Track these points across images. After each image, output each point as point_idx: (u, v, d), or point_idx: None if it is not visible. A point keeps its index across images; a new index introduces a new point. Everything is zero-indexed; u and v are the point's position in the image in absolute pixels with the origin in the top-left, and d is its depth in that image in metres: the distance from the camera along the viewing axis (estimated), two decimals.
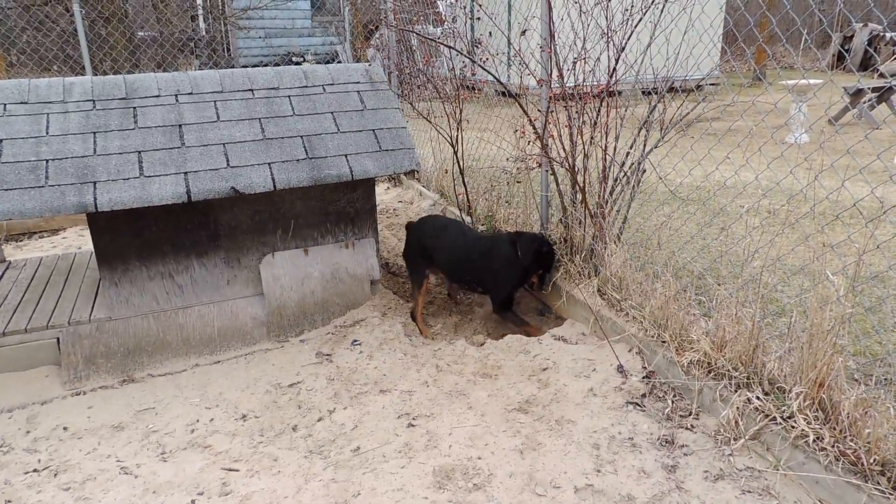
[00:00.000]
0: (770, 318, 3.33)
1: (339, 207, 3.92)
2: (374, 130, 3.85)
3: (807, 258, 3.76)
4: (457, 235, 4.06)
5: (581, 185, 3.57)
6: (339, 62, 12.74)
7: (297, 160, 3.58)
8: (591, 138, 3.62)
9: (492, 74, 3.80)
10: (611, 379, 3.11)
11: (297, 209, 3.82)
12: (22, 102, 3.49)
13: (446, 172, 5.34)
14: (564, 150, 3.57)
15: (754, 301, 2.72)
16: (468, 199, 4.73)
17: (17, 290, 3.93)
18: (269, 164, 3.52)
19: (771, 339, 2.70)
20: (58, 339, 3.48)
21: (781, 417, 2.42)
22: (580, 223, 3.69)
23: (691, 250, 4.19)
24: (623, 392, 3.01)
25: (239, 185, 3.40)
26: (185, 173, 3.37)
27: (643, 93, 3.77)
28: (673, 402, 2.89)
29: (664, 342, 3.07)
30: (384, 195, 6.65)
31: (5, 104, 3.45)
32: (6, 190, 3.11)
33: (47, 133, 3.38)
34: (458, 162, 4.60)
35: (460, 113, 4.54)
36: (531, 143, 3.69)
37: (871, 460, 2.13)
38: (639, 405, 2.92)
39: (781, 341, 2.67)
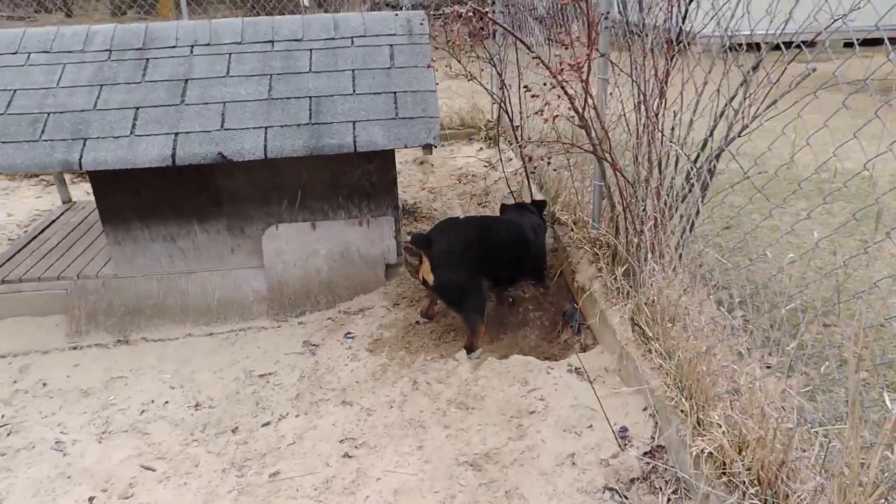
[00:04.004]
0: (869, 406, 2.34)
1: (352, 180, 3.45)
2: (395, 93, 3.28)
3: None
4: (494, 229, 3.40)
5: (623, 180, 2.74)
6: None
7: (298, 125, 3.15)
8: (656, 113, 2.73)
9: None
10: (604, 445, 2.38)
11: (302, 179, 3.42)
12: (44, 51, 3.43)
13: (529, 139, 4.59)
14: (598, 123, 2.73)
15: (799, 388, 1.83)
16: (527, 173, 4.00)
17: (60, 234, 4.04)
18: (265, 128, 3.14)
19: (807, 455, 1.80)
20: (66, 290, 3.49)
21: None
22: (624, 230, 2.87)
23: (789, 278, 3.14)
24: (609, 469, 2.27)
25: (227, 151, 3.07)
26: (176, 134, 3.11)
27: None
28: (669, 500, 2.11)
29: (683, 412, 2.26)
30: (479, 155, 6.01)
31: (29, 53, 3.42)
32: (3, 143, 3.07)
33: (58, 84, 3.29)
34: (512, 126, 3.88)
35: (501, 64, 3.73)
36: (561, 115, 2.83)
37: None
38: (620, 494, 2.18)
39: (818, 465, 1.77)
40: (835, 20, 2.18)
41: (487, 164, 4.85)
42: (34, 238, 3.99)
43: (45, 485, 2.47)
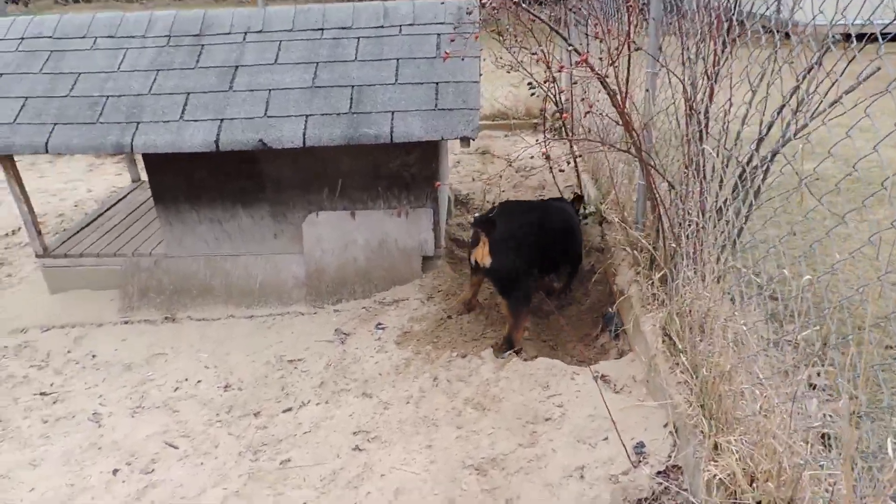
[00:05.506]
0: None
1: (392, 171, 3.43)
2: (437, 83, 3.22)
3: None
4: (538, 212, 3.36)
5: (663, 182, 2.57)
6: None
7: (338, 114, 3.16)
8: (701, 111, 2.55)
9: None
10: (616, 460, 2.26)
11: (343, 168, 3.43)
12: (110, 36, 3.59)
13: (588, 131, 4.43)
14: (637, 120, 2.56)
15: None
16: (576, 168, 3.85)
17: (124, 212, 4.25)
18: (306, 116, 3.17)
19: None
20: (121, 267, 3.67)
21: None
22: (663, 234, 2.70)
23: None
24: (618, 487, 2.16)
25: (267, 138, 3.11)
26: (221, 120, 3.18)
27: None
28: None
29: (702, 433, 2.10)
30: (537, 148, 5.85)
31: (96, 37, 3.59)
32: (64, 124, 3.24)
33: (118, 68, 3.44)
34: (563, 123, 3.74)
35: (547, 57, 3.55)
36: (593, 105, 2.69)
37: None
38: None
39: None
40: None
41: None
42: (101, 215, 4.22)
43: (77, 454, 2.61)
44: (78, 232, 3.97)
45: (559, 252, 3.39)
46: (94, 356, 3.30)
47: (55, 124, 3.22)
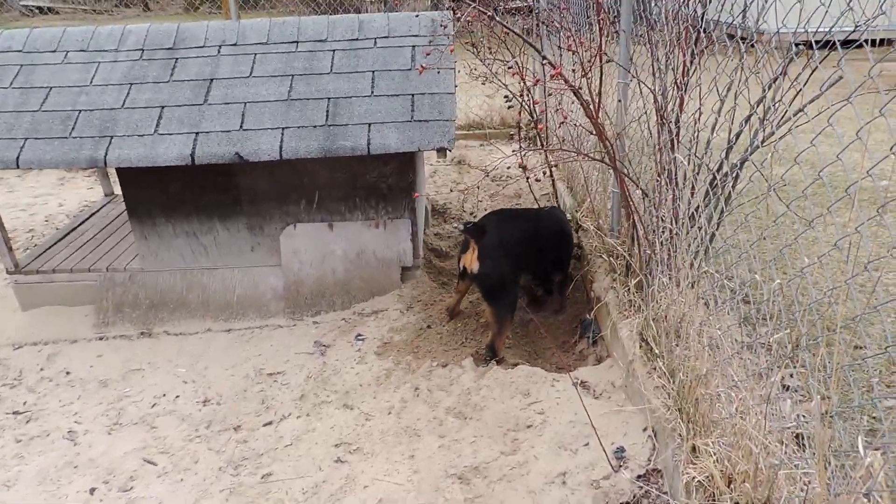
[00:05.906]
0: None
1: (369, 182, 3.44)
2: (412, 95, 3.25)
3: None
4: (528, 221, 3.43)
5: (636, 190, 2.62)
6: None
7: (315, 126, 3.16)
8: (672, 120, 2.60)
9: None
10: (597, 465, 2.28)
11: (320, 180, 3.43)
12: (82, 50, 3.56)
13: (562, 141, 4.49)
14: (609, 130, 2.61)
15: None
16: (552, 178, 3.90)
17: (97, 227, 4.19)
18: (282, 128, 3.16)
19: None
20: (96, 282, 3.62)
21: None
22: (636, 240, 2.75)
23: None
24: (599, 492, 2.18)
25: (244, 151, 3.11)
26: (196, 133, 3.17)
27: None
28: None
29: (680, 436, 2.14)
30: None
31: (68, 51, 3.55)
32: (36, 139, 3.20)
33: (91, 82, 3.41)
34: (538, 133, 3.79)
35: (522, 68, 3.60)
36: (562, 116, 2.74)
37: None
38: None
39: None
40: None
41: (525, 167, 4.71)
42: (73, 230, 4.16)
43: (52, 474, 2.57)
44: (50, 247, 3.91)
45: (550, 261, 3.43)
46: (68, 373, 3.25)
47: (26, 139, 3.18)
